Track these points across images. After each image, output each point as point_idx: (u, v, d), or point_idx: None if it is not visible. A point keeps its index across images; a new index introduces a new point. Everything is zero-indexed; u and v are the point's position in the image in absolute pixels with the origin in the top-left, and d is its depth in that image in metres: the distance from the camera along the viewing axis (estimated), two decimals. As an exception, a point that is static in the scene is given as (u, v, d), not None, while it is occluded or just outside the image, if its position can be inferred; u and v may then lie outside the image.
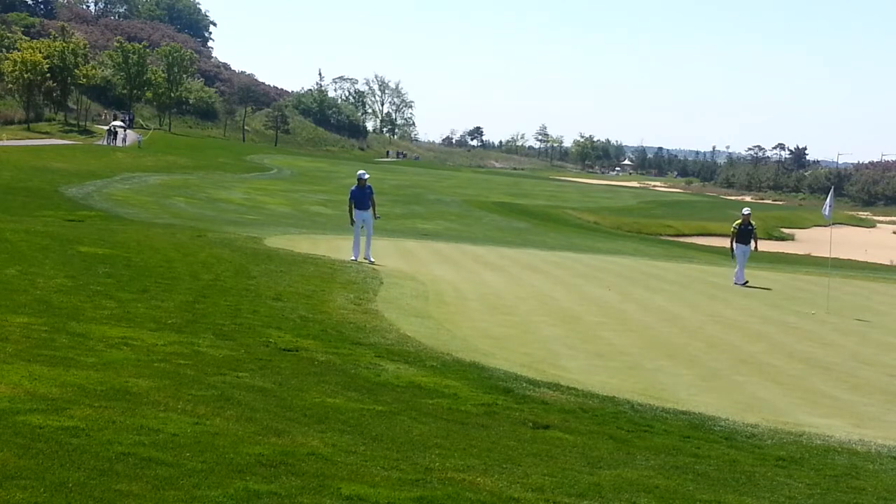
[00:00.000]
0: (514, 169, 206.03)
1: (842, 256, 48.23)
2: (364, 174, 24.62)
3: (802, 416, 11.11)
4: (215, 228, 29.20)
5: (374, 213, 24.31)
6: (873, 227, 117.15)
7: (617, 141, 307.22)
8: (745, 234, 26.64)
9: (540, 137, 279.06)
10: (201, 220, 34.06)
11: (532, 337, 15.02)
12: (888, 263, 60.61)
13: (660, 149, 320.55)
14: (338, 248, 26.11)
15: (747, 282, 25.72)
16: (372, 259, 23.17)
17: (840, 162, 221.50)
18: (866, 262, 54.99)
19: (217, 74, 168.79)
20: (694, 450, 8.68)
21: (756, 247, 27.09)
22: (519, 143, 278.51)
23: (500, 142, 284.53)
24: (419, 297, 18.20)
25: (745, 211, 27.91)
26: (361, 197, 24.14)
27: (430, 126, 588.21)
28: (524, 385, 11.00)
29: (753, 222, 27.43)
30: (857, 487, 7.91)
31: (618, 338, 15.59)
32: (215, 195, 52.95)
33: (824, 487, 7.78)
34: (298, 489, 5.59)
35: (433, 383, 10.50)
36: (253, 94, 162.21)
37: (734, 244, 26.60)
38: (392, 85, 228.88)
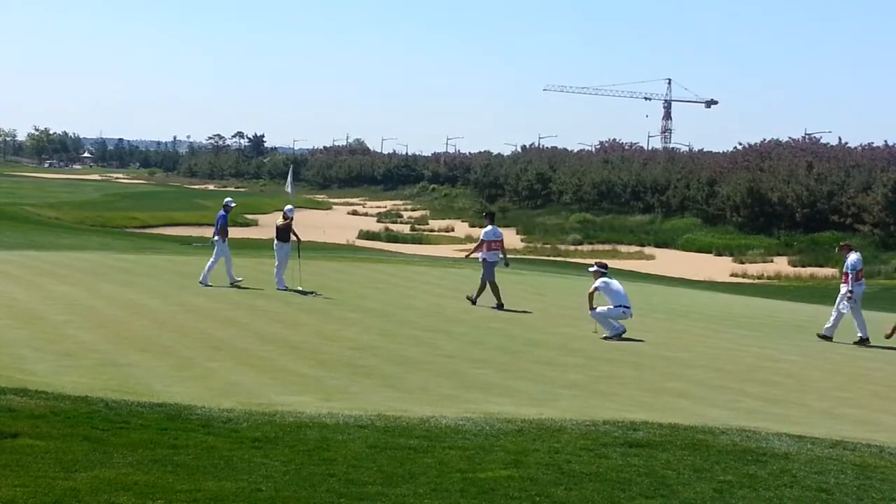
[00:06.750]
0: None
1: (303, 238, 50.02)
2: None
3: (275, 395, 11.52)
4: None
5: None
6: (330, 209, 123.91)
7: (75, 133, 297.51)
8: (284, 231, 23.43)
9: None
10: None
11: (-7, 343, 14.13)
12: (345, 243, 64.55)
13: (120, 140, 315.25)
14: None
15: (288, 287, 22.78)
16: None
17: (296, 148, 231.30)
18: (325, 242, 57.99)
19: None
20: (172, 441, 8.68)
21: (300, 246, 24.28)
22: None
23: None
24: None
25: (288, 209, 24.25)
26: None
27: None
28: (-13, 394, 10.33)
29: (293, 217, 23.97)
30: (329, 458, 8.35)
31: (87, 335, 15.14)
32: None
33: (298, 462, 8.14)
34: None
35: None
36: None
37: (277, 242, 23.47)
38: None
